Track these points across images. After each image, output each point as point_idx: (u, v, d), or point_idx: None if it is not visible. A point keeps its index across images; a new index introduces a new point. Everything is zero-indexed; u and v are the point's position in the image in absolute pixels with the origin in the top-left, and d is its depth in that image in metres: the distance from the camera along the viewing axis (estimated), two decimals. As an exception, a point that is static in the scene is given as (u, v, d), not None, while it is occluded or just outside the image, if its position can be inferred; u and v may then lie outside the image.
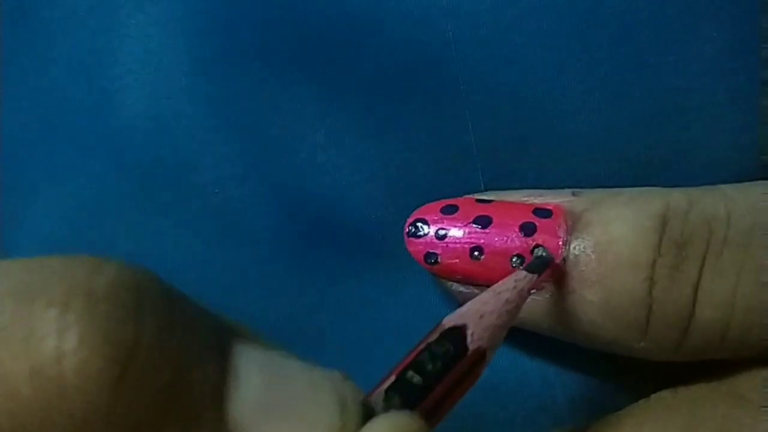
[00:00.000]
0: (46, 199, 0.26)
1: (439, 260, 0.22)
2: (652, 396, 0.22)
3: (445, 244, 0.22)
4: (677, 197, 0.21)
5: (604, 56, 0.23)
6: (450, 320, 0.19)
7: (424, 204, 0.24)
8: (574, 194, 0.22)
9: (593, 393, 0.23)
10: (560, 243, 0.21)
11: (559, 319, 0.22)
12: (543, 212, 0.22)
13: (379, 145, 0.24)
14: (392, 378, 0.18)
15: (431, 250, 0.22)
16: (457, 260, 0.22)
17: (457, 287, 0.23)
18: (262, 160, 0.24)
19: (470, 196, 0.23)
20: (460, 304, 0.21)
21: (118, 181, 0.25)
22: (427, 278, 0.24)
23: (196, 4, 0.24)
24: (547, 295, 0.21)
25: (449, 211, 0.22)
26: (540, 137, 0.23)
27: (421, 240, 0.22)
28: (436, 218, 0.22)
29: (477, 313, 0.20)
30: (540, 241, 0.21)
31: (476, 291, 0.22)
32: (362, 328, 0.24)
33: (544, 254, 0.21)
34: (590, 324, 0.21)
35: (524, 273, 0.21)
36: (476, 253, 0.22)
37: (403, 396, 0.18)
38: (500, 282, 0.21)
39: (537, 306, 0.22)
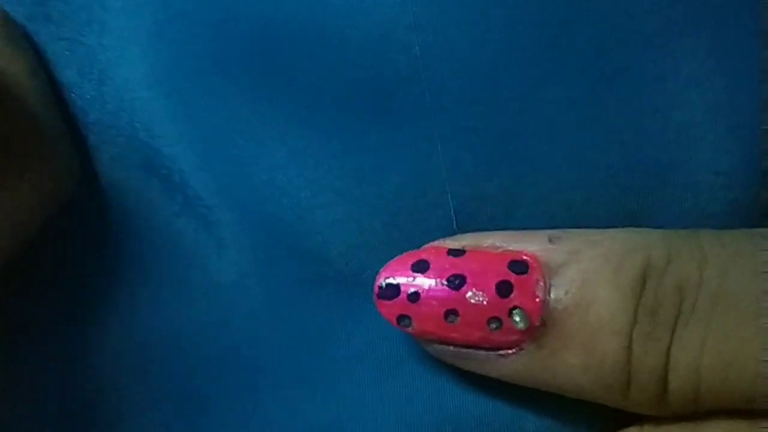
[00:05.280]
0: None
1: (412, 323, 0.21)
2: None
3: (417, 307, 0.21)
4: (657, 252, 0.20)
5: (578, 73, 0.22)
6: None
7: (388, 226, 0.22)
8: (550, 240, 0.21)
9: (564, 424, 0.23)
10: (538, 304, 0.20)
11: (539, 378, 0.21)
12: (519, 266, 0.21)
13: (343, 166, 0.22)
14: None
15: (404, 313, 0.21)
16: (432, 323, 0.21)
17: (433, 346, 0.22)
18: (222, 177, 0.23)
19: (442, 242, 0.22)
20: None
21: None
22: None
23: (152, 15, 0.23)
24: (526, 354, 0.21)
25: (420, 268, 0.21)
26: (512, 158, 0.22)
27: (392, 302, 0.21)
28: (407, 277, 0.21)
29: None
30: (517, 303, 0.20)
31: (453, 350, 0.21)
32: (325, 354, 0.23)
33: (518, 320, 0.20)
34: (572, 384, 0.21)
35: None
36: (451, 316, 0.21)
37: None
38: None
39: (516, 364, 0.21)
